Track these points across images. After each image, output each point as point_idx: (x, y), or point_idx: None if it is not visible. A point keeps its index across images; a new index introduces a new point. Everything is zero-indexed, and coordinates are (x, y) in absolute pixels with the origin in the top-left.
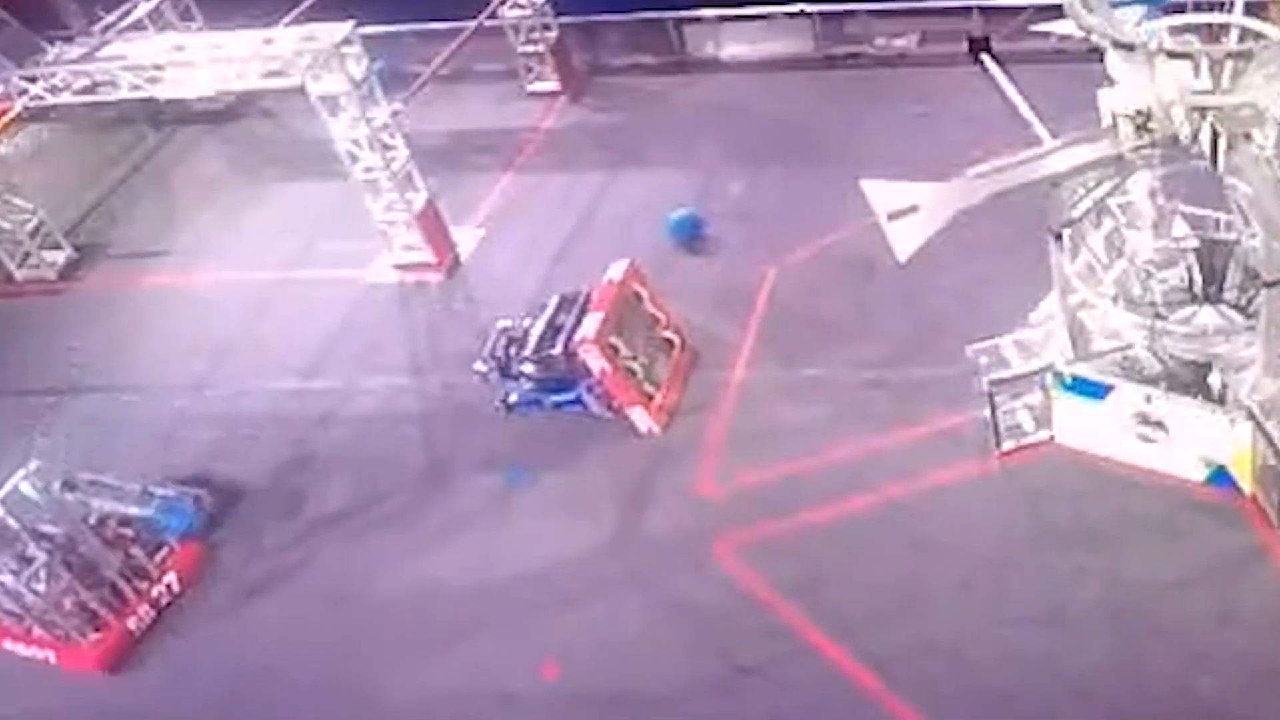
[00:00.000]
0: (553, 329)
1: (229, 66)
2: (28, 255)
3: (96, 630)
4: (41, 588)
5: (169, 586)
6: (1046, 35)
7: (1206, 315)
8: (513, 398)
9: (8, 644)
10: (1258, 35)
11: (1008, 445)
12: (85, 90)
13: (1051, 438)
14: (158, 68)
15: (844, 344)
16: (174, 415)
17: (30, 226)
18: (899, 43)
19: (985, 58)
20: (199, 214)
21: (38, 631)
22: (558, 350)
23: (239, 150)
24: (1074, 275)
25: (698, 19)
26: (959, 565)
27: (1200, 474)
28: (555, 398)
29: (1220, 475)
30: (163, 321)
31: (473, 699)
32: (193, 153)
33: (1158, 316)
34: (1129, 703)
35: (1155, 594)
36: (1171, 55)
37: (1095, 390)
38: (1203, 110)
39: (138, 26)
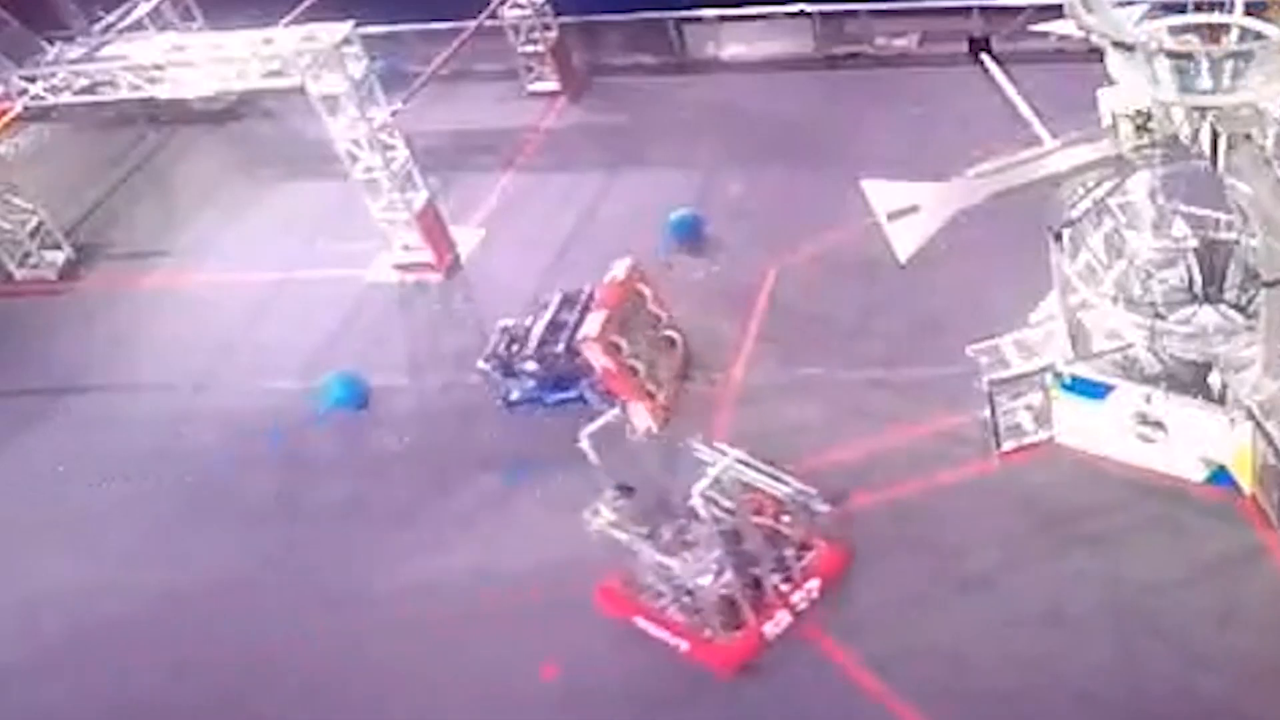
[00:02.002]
0: (555, 327)
1: (229, 66)
2: (28, 255)
3: (736, 629)
4: (708, 580)
5: (809, 593)
6: (1046, 35)
7: (1206, 315)
8: (514, 395)
9: (640, 621)
10: (1258, 35)
11: (1008, 445)
12: (85, 90)
13: (1051, 438)
14: (158, 68)
15: (844, 344)
16: (174, 415)
17: (30, 226)
18: (899, 43)
19: (985, 58)
20: (199, 214)
21: (675, 617)
22: (560, 348)
23: (239, 150)
24: (1074, 275)
25: (698, 19)
26: (959, 565)
27: (1200, 474)
28: (557, 395)
29: (1220, 475)
30: (162, 321)
31: (473, 699)
32: (193, 153)
33: (1158, 316)
34: (1129, 703)
35: (1155, 594)
36: (1171, 55)
37: (1095, 390)
38: (1203, 110)
39: (138, 26)
